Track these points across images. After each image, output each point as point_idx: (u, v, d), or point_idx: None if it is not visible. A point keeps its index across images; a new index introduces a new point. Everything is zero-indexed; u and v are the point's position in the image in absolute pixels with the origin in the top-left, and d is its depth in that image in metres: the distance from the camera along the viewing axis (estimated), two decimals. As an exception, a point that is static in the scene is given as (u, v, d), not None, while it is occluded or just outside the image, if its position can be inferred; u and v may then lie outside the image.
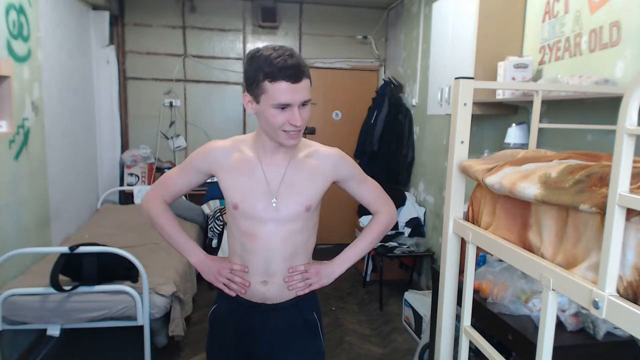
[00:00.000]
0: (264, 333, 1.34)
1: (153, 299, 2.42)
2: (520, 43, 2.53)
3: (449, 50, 2.84)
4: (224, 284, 1.35)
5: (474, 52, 2.48)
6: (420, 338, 2.94)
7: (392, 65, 4.82)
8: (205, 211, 4.16)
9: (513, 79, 2.28)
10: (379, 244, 3.65)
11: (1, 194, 2.50)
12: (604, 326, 1.44)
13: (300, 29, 4.88)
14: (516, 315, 1.57)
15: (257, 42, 4.80)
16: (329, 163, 1.34)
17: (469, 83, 1.21)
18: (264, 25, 4.69)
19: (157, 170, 4.54)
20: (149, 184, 4.46)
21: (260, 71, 1.14)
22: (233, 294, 1.35)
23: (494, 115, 2.74)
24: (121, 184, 4.47)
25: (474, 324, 1.24)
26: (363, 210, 4.02)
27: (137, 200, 4.27)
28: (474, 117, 1.34)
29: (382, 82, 4.71)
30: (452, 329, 1.36)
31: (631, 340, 1.45)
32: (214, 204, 4.18)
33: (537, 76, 2.38)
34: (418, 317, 3.06)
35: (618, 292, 0.75)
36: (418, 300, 3.17)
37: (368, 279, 4.10)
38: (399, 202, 3.98)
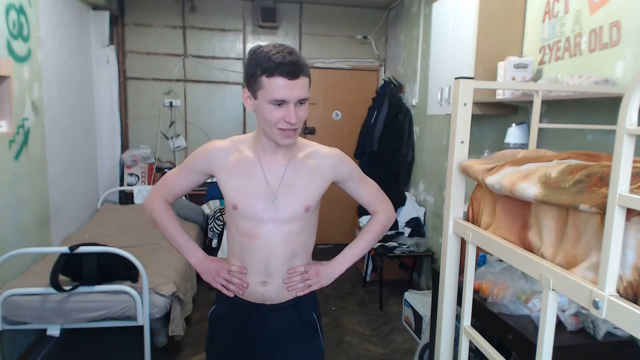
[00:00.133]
0: (263, 333, 1.34)
1: (153, 299, 2.42)
2: (520, 43, 2.53)
3: (449, 50, 2.84)
4: (222, 285, 1.35)
5: (474, 52, 2.48)
6: (420, 338, 2.94)
7: (392, 65, 4.82)
8: (205, 211, 4.16)
9: (513, 79, 2.28)
10: (379, 243, 3.66)
11: (1, 194, 2.50)
12: (604, 326, 1.44)
13: (300, 29, 4.88)
14: (516, 315, 1.57)
15: (257, 42, 4.75)
16: (328, 163, 1.34)
17: (469, 83, 1.21)
18: (264, 25, 4.69)
19: (157, 170, 4.54)
20: (149, 184, 4.46)
21: (258, 66, 1.14)
22: (231, 295, 1.35)
23: (494, 115, 2.74)
24: (121, 184, 4.47)
25: (474, 324, 1.24)
26: (363, 210, 4.02)
27: (137, 200, 4.26)
28: (474, 117, 1.34)
29: (382, 82, 4.71)
30: (452, 329, 1.36)
31: (631, 340, 1.45)
32: (214, 204, 4.18)
33: (537, 76, 2.38)
34: (418, 317, 3.06)
35: (618, 292, 0.75)
36: (418, 300, 3.17)
37: (368, 279, 4.10)
38: (399, 202, 3.98)
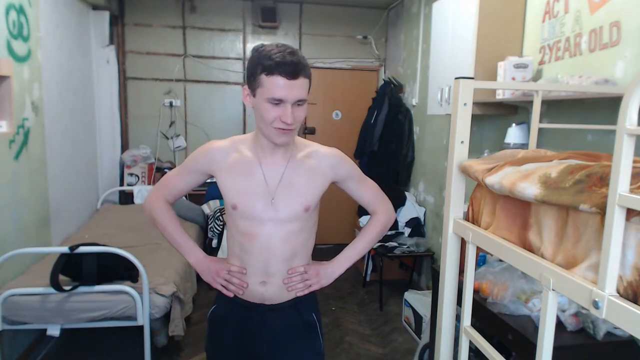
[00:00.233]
0: (263, 333, 1.34)
1: (153, 299, 2.42)
2: (520, 43, 2.53)
3: (449, 50, 2.84)
4: (222, 285, 1.35)
5: (474, 52, 2.48)
6: (420, 338, 2.94)
7: (392, 65, 4.82)
8: (205, 211, 4.16)
9: (513, 79, 2.28)
10: (379, 243, 3.66)
11: (1, 194, 2.50)
12: (604, 326, 1.44)
13: (300, 29, 4.88)
14: (516, 315, 1.57)
15: (257, 42, 4.75)
16: (327, 163, 1.34)
17: (469, 83, 1.21)
18: (264, 25, 4.69)
19: (157, 170, 4.54)
20: (149, 184, 4.46)
21: (259, 65, 1.14)
22: (231, 295, 1.35)
23: (494, 115, 2.74)
24: (121, 184, 4.47)
25: (474, 324, 1.24)
26: (363, 211, 4.02)
27: (137, 200, 4.26)
28: (474, 117, 1.34)
29: (382, 82, 4.71)
30: (452, 329, 1.36)
31: (631, 340, 1.45)
32: (214, 204, 4.18)
33: (537, 76, 2.38)
34: (418, 317, 3.06)
35: (618, 292, 0.75)
36: (418, 300, 3.17)
37: (368, 279, 4.10)
38: (399, 202, 3.98)
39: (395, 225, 3.88)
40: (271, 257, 1.30)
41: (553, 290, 0.87)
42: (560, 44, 2.23)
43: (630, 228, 0.73)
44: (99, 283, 2.36)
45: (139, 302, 2.35)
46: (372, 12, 4.91)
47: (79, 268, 2.34)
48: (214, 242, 3.94)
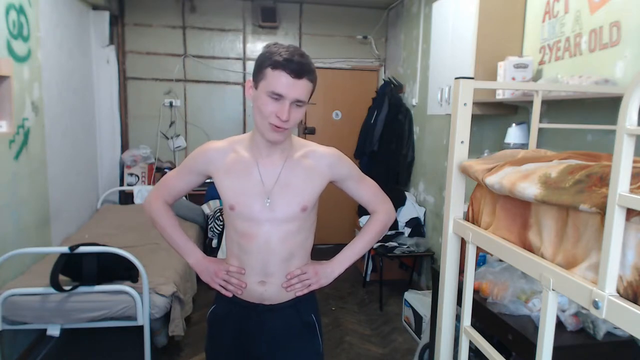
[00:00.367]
0: (262, 334, 1.34)
1: (153, 299, 2.42)
2: (520, 43, 2.53)
3: (449, 50, 2.84)
4: (221, 285, 1.35)
5: (474, 52, 2.48)
6: (420, 338, 2.94)
7: (392, 65, 4.82)
8: (205, 211, 4.16)
9: (513, 79, 2.28)
10: (379, 243, 3.66)
11: (1, 194, 2.50)
12: (604, 326, 1.44)
13: (300, 29, 4.88)
14: (516, 315, 1.57)
15: (257, 42, 4.80)
16: (325, 163, 1.33)
17: (469, 83, 1.21)
18: (264, 25, 4.69)
19: (157, 170, 4.54)
20: (149, 184, 4.46)
21: (267, 59, 1.16)
22: (230, 295, 1.35)
23: (494, 115, 2.74)
24: (121, 184, 4.47)
25: (474, 324, 1.24)
26: (363, 210, 4.02)
27: (137, 200, 4.26)
28: (474, 117, 1.34)
29: (382, 82, 4.71)
30: (452, 329, 1.36)
31: (631, 340, 1.45)
32: (214, 204, 4.18)
33: (537, 76, 2.38)
34: (418, 317, 3.06)
35: (618, 292, 0.75)
36: (418, 300, 3.17)
37: (368, 279, 4.10)
38: (399, 202, 3.98)
39: (395, 225, 3.88)
40: (270, 257, 1.30)
41: (553, 290, 0.87)
42: (560, 44, 2.23)
43: (630, 228, 0.73)
44: (99, 283, 2.36)
45: (139, 302, 2.35)
46: (372, 12, 4.91)
47: (79, 268, 2.34)
48: (214, 242, 3.94)
